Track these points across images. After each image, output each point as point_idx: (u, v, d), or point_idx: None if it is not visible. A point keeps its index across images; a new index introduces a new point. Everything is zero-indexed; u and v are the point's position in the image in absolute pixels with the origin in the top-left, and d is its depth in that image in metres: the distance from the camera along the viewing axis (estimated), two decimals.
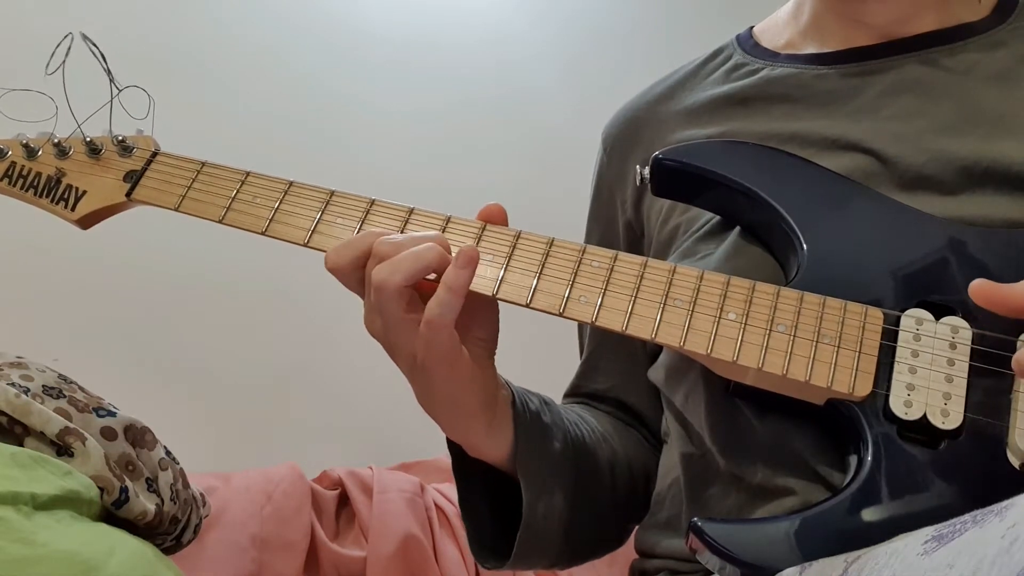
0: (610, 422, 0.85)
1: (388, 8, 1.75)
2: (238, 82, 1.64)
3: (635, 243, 0.84)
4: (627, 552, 0.85)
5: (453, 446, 0.72)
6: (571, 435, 0.75)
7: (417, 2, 1.78)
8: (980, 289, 0.55)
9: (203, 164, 0.72)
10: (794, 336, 0.61)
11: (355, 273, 0.63)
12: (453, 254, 0.60)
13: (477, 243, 0.66)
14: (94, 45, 0.69)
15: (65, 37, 0.68)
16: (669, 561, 0.75)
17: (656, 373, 0.79)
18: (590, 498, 0.76)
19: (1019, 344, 0.58)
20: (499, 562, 0.73)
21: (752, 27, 0.86)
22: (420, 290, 0.62)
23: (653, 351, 0.82)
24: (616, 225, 0.87)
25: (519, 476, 0.69)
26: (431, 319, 0.60)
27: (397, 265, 0.59)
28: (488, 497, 0.74)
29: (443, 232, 0.67)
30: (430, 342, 0.61)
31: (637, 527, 0.83)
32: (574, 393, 0.90)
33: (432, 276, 0.61)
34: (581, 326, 0.92)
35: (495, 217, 0.67)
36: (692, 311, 0.62)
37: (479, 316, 0.66)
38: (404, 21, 1.76)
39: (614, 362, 0.87)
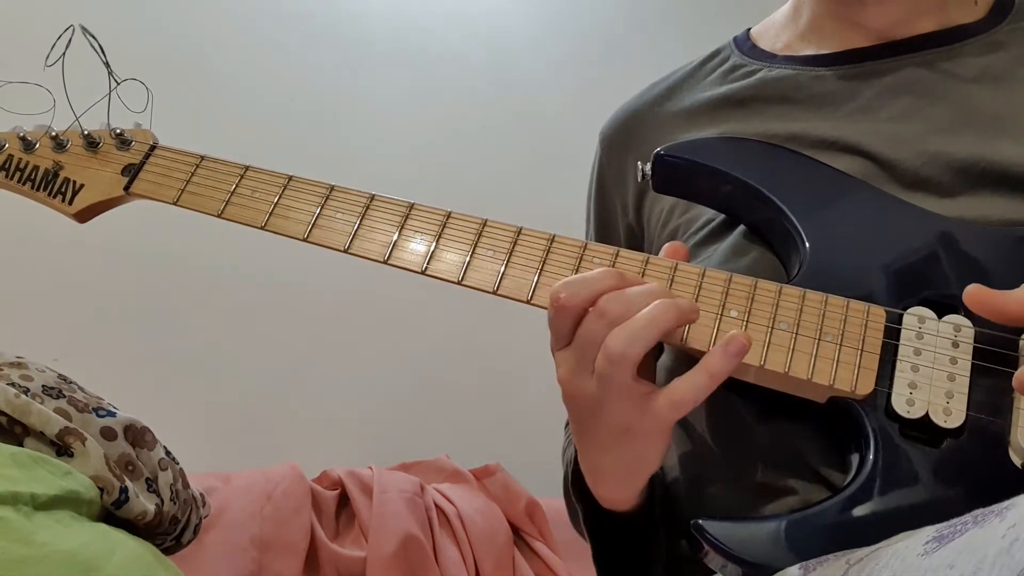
0: None
1: (390, 11, 1.76)
2: (237, 75, 1.64)
3: (635, 244, 0.84)
4: None
5: (588, 501, 0.68)
6: None
7: (419, 3, 1.78)
8: (974, 295, 0.56)
9: (202, 158, 0.72)
10: (796, 334, 0.61)
11: (579, 317, 0.58)
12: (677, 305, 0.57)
13: (478, 239, 0.66)
14: (93, 37, 0.69)
15: (66, 30, 0.68)
16: (669, 561, 0.75)
17: (658, 373, 0.79)
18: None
19: (1021, 343, 0.58)
20: None
21: (749, 29, 0.86)
22: None
23: (654, 351, 0.82)
24: (616, 226, 0.87)
25: (648, 518, 0.68)
26: (682, 402, 0.56)
27: (638, 333, 0.55)
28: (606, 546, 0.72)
29: (443, 228, 0.66)
30: (663, 420, 0.57)
31: None
32: None
33: None
34: None
35: (679, 255, 0.64)
36: None
37: (647, 373, 0.64)
38: (405, 17, 1.76)
39: None
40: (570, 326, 0.58)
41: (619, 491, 0.66)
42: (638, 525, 0.69)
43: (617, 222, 0.86)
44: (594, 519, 0.71)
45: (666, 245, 0.64)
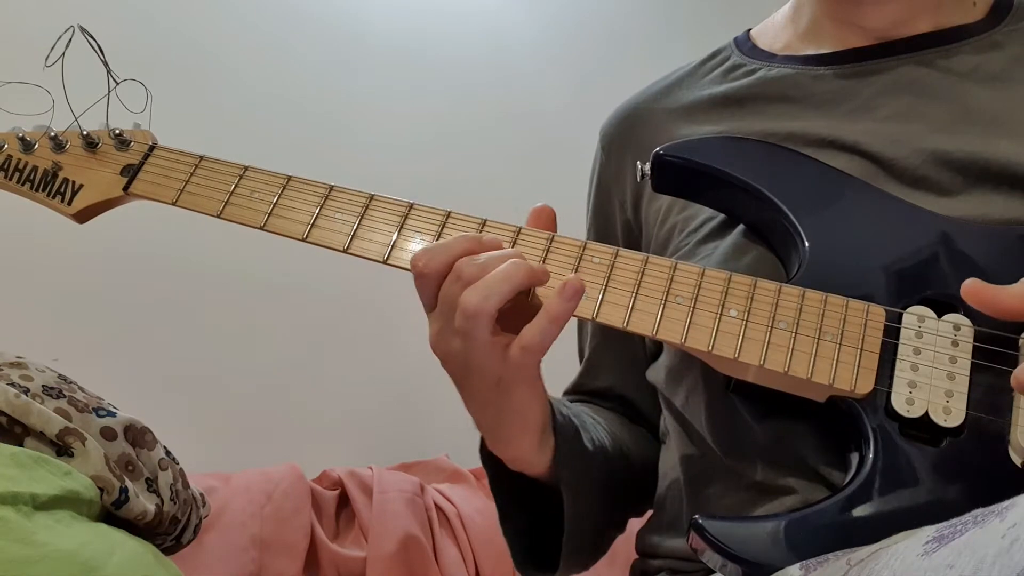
0: (617, 419, 0.85)
1: (389, 9, 1.76)
2: (236, 75, 1.63)
3: (633, 243, 0.84)
4: (627, 552, 0.85)
5: (489, 463, 0.71)
6: (594, 437, 0.75)
7: (417, 3, 1.78)
8: (971, 289, 0.56)
9: (201, 158, 0.72)
10: (796, 333, 0.61)
11: (439, 281, 0.61)
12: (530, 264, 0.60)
13: None
14: (92, 38, 0.69)
15: (66, 31, 0.68)
16: (670, 560, 0.75)
17: (655, 374, 0.79)
18: (614, 501, 0.77)
19: (1021, 341, 0.58)
20: (549, 573, 0.73)
21: (749, 29, 0.86)
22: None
23: (653, 350, 0.82)
24: (614, 224, 0.87)
25: (560, 483, 0.68)
26: (530, 345, 0.59)
27: (491, 288, 0.58)
28: (523, 512, 0.73)
29: (442, 228, 0.66)
30: (521, 365, 0.60)
31: (639, 529, 0.83)
32: (576, 391, 0.90)
33: None
34: (581, 328, 0.92)
35: (544, 218, 0.67)
36: (693, 308, 0.62)
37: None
38: (403, 16, 1.76)
39: (616, 360, 0.87)
40: (432, 290, 0.61)
41: (513, 447, 0.67)
42: (546, 489, 0.70)
43: (615, 219, 0.87)
44: (499, 482, 0.72)
45: (532, 209, 0.67)
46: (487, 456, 0.71)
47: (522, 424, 0.65)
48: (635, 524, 0.86)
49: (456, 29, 1.80)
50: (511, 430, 0.66)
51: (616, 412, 0.86)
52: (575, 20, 1.90)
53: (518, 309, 0.61)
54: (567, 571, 0.75)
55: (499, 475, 0.71)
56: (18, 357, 0.87)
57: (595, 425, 0.78)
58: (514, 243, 0.66)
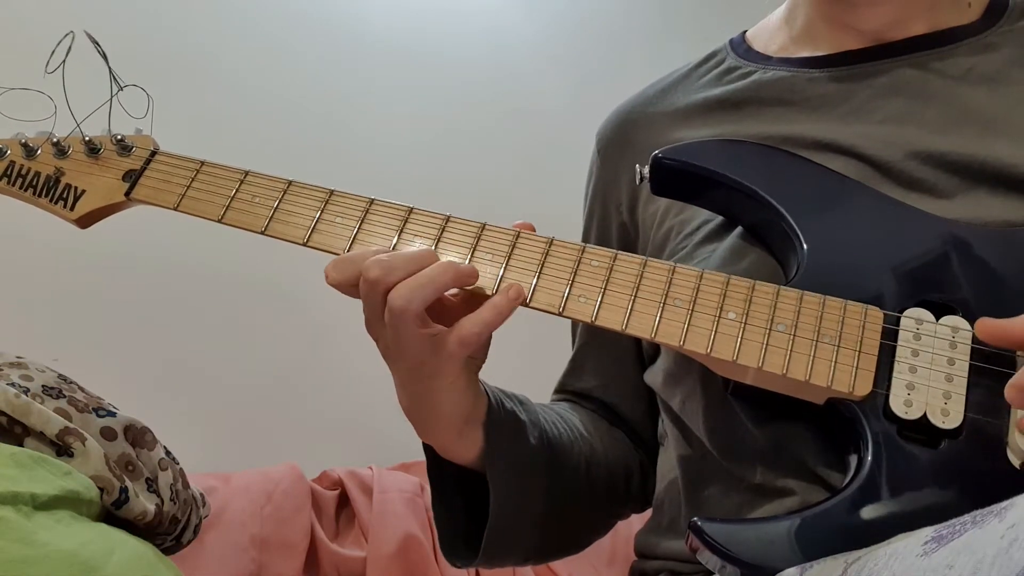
0: (593, 420, 0.85)
1: (388, 7, 1.76)
2: (237, 81, 1.64)
3: (630, 245, 0.84)
4: (627, 552, 0.85)
5: (428, 447, 0.72)
6: (548, 433, 0.75)
7: (417, 2, 1.78)
8: (984, 329, 0.56)
9: (202, 163, 0.72)
10: (794, 335, 0.61)
11: (355, 289, 0.63)
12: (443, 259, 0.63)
13: (477, 243, 0.66)
14: (96, 43, 0.69)
15: (66, 36, 0.68)
16: (669, 562, 0.75)
17: (653, 377, 0.79)
18: (565, 495, 0.76)
19: (1018, 358, 0.58)
20: (467, 560, 0.74)
21: (745, 31, 0.86)
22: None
23: (650, 354, 0.82)
24: (611, 227, 0.87)
25: (487, 473, 0.69)
26: (467, 338, 0.61)
27: (416, 292, 0.60)
28: (463, 495, 0.74)
29: (442, 232, 0.67)
30: (452, 356, 0.62)
31: (638, 530, 0.83)
32: (561, 390, 0.91)
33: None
34: (574, 324, 0.92)
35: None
36: (692, 310, 0.62)
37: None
38: (403, 20, 1.76)
39: (599, 362, 0.87)
40: (354, 294, 0.63)
41: (429, 435, 0.69)
42: (473, 479, 0.71)
43: (612, 222, 0.87)
44: (433, 465, 0.73)
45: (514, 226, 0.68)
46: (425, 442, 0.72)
47: (435, 415, 0.67)
48: (635, 525, 0.86)
49: (456, 29, 1.80)
50: (426, 418, 0.67)
51: (597, 414, 0.86)
52: (575, 20, 1.90)
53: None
54: (495, 562, 0.75)
55: (433, 459, 0.72)
56: (18, 357, 0.87)
57: (559, 423, 0.78)
58: (513, 248, 0.66)
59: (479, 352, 0.67)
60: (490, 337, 0.67)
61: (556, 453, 0.76)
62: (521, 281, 0.65)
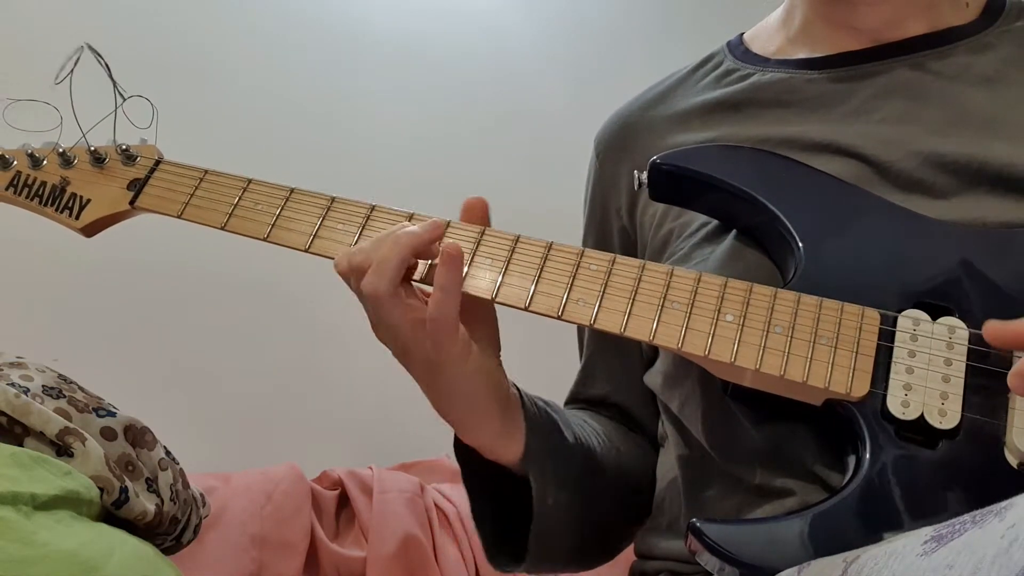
0: (613, 427, 0.85)
1: (388, 7, 1.76)
2: (241, 91, 1.64)
3: (630, 248, 0.84)
4: (627, 552, 0.85)
5: (461, 455, 0.72)
6: (578, 434, 0.75)
7: (417, 3, 1.78)
8: (991, 331, 0.56)
9: (206, 172, 0.73)
10: (791, 337, 0.61)
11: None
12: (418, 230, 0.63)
13: (476, 247, 0.66)
14: (100, 57, 0.70)
15: (77, 51, 0.69)
16: (669, 562, 0.75)
17: (653, 379, 0.79)
18: (598, 498, 0.76)
19: (1016, 358, 0.58)
20: (517, 563, 0.73)
21: (742, 34, 0.86)
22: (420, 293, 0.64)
23: (650, 356, 0.82)
24: (611, 230, 0.87)
25: (528, 469, 0.69)
26: (433, 317, 0.61)
27: (379, 274, 0.61)
28: (496, 503, 0.74)
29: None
30: (438, 340, 0.62)
31: (638, 530, 0.83)
32: (574, 400, 0.90)
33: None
34: (581, 332, 0.92)
35: (476, 211, 0.68)
36: (690, 313, 0.63)
37: (479, 315, 0.67)
38: (403, 20, 1.76)
39: (609, 368, 0.87)
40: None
41: (472, 433, 0.68)
42: (516, 479, 0.70)
43: (612, 226, 0.87)
44: (469, 472, 0.73)
45: (464, 202, 0.68)
46: (459, 446, 0.71)
47: (470, 407, 0.66)
48: None
49: (456, 29, 1.80)
50: (464, 414, 0.67)
51: (614, 420, 0.86)
52: (575, 20, 1.90)
53: (469, 305, 0.64)
54: (541, 564, 0.75)
55: (469, 464, 0.72)
56: (18, 357, 0.87)
57: (584, 426, 0.78)
58: (512, 252, 0.66)
59: (486, 334, 0.67)
60: (495, 320, 0.68)
61: (589, 455, 0.76)
62: (520, 286, 0.65)
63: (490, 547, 0.74)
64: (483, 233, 0.67)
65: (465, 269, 0.65)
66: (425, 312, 0.62)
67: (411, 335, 0.62)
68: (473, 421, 0.68)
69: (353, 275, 0.63)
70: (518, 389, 0.71)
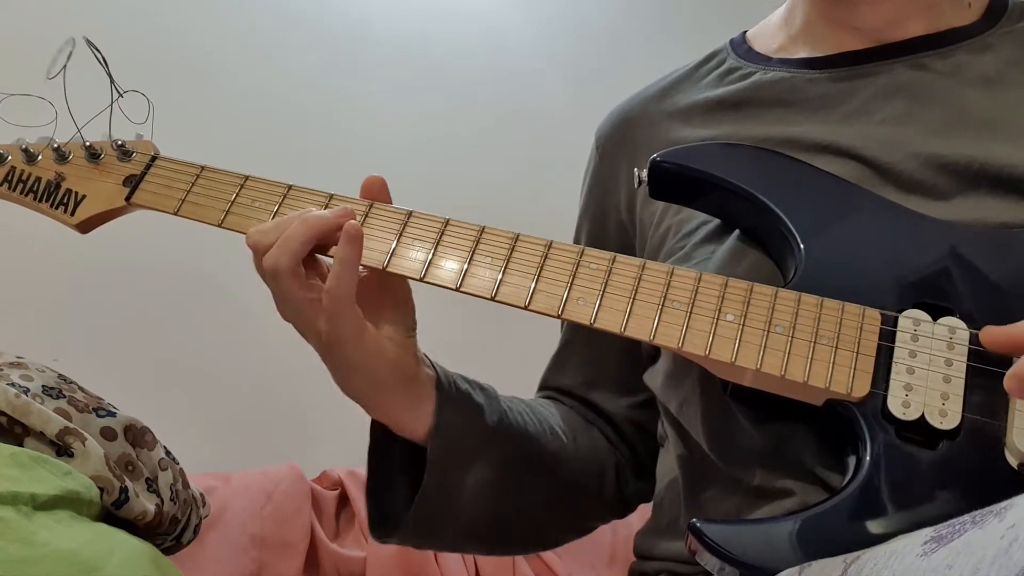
0: (570, 418, 0.85)
1: (388, 8, 1.76)
2: (237, 86, 1.64)
3: (627, 243, 0.84)
4: (627, 552, 0.85)
5: (375, 430, 0.73)
6: (511, 423, 0.75)
7: (417, 3, 1.78)
8: (989, 337, 0.56)
9: (202, 168, 0.72)
10: (792, 337, 0.61)
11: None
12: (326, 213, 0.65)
13: (476, 246, 0.66)
14: (96, 49, 0.70)
15: (66, 42, 0.68)
16: (668, 563, 0.75)
17: (652, 379, 0.79)
18: (525, 487, 0.76)
19: (1015, 360, 0.58)
20: (388, 534, 0.74)
21: (745, 31, 0.86)
22: (320, 274, 0.66)
23: (629, 351, 0.82)
24: (608, 225, 0.87)
25: (430, 446, 0.69)
26: (329, 290, 0.63)
27: (281, 250, 0.63)
28: (410, 476, 0.74)
29: (441, 236, 0.67)
30: (332, 315, 0.63)
31: (638, 531, 0.83)
32: (543, 387, 0.91)
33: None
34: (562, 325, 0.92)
35: (373, 189, 0.69)
36: (690, 312, 0.62)
37: (389, 295, 0.68)
38: (403, 20, 1.77)
39: (582, 359, 0.88)
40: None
41: (378, 407, 0.70)
42: (416, 457, 0.71)
43: (610, 220, 0.87)
44: (372, 447, 0.74)
45: (364, 181, 0.71)
46: (373, 422, 0.73)
47: (368, 383, 0.67)
48: (635, 525, 0.86)
49: (456, 29, 1.80)
50: (362, 391, 0.68)
51: (575, 411, 0.86)
52: (575, 20, 1.90)
53: (381, 286, 0.67)
54: (426, 541, 0.76)
55: (375, 440, 0.73)
56: (18, 357, 0.87)
57: (526, 414, 0.78)
58: (512, 251, 0.66)
59: (397, 313, 0.68)
60: (408, 299, 0.69)
61: (518, 443, 0.75)
62: (520, 284, 0.65)
63: (373, 514, 0.74)
64: (482, 231, 0.67)
65: (464, 267, 0.66)
66: (318, 291, 0.63)
67: (309, 312, 0.64)
68: (372, 398, 0.69)
69: (259, 250, 0.64)
70: (436, 370, 0.71)
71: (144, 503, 0.81)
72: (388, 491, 0.74)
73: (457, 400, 0.71)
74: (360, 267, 0.66)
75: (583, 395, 0.87)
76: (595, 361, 0.86)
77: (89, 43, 0.69)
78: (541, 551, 0.86)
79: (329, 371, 0.68)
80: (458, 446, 0.71)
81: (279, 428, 1.61)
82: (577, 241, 0.90)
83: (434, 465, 0.70)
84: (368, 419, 0.74)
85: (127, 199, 0.72)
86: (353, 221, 0.64)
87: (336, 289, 0.63)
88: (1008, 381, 0.52)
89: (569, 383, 0.88)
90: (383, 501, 0.74)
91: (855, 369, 0.60)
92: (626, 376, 0.85)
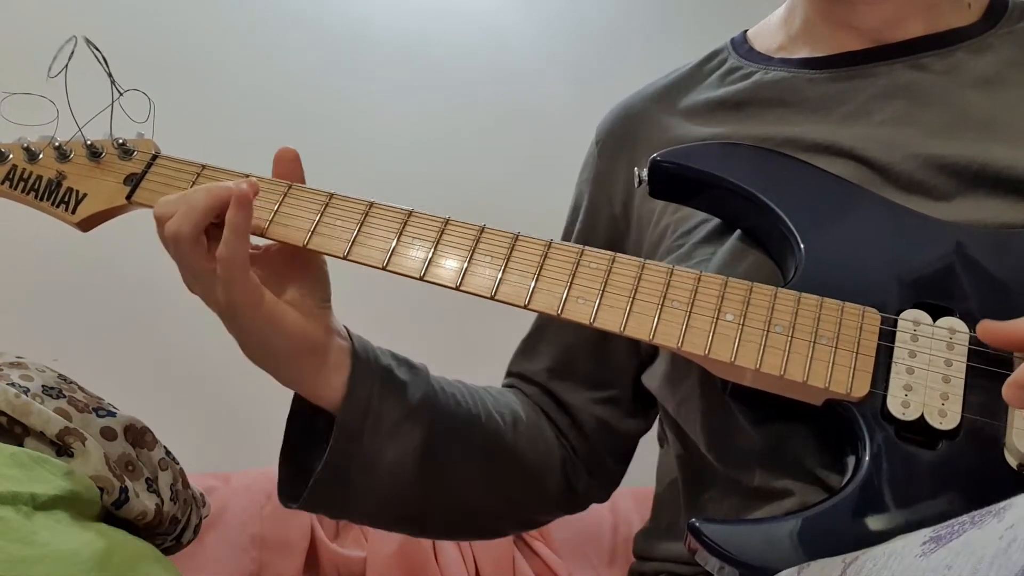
0: (522, 406, 0.84)
1: (388, 8, 1.76)
2: (238, 84, 1.64)
3: (618, 239, 0.84)
4: (627, 552, 0.85)
5: (297, 400, 0.74)
6: (437, 399, 0.75)
7: (417, 3, 1.78)
8: (986, 331, 0.56)
9: (203, 167, 0.72)
10: (792, 336, 0.61)
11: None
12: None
13: (476, 245, 0.66)
14: (96, 49, 0.70)
15: (67, 41, 0.68)
16: (668, 564, 0.75)
17: (651, 379, 0.79)
18: (452, 467, 0.76)
19: (1016, 359, 0.58)
20: (292, 501, 0.74)
21: (746, 31, 0.86)
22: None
23: (600, 344, 0.82)
24: (599, 218, 0.87)
25: (338, 417, 0.70)
26: (220, 256, 0.63)
27: (182, 217, 0.63)
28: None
29: (441, 235, 0.67)
30: (227, 282, 0.63)
31: (637, 532, 0.83)
32: (508, 372, 0.90)
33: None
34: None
35: (284, 162, 0.70)
36: (690, 312, 0.62)
37: (298, 266, 0.69)
38: (403, 20, 1.76)
39: (549, 348, 0.87)
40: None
41: (276, 374, 0.70)
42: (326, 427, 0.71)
43: (602, 214, 0.86)
44: (292, 412, 0.75)
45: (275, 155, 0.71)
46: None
47: (271, 350, 0.68)
48: (636, 525, 0.86)
49: (456, 29, 1.80)
50: (264, 359, 0.69)
51: (532, 400, 0.86)
52: (575, 20, 1.90)
53: (289, 256, 0.68)
54: (332, 510, 0.76)
55: (296, 409, 0.75)
56: (18, 357, 0.87)
57: (467, 399, 0.78)
58: (512, 250, 0.66)
59: (303, 283, 0.69)
60: (314, 269, 0.69)
61: (447, 423, 0.75)
62: (520, 283, 0.65)
63: (284, 479, 0.75)
64: (482, 230, 0.67)
65: (464, 266, 0.66)
66: (212, 263, 0.64)
67: (208, 281, 0.64)
68: (275, 365, 0.69)
69: (164, 220, 0.65)
70: (354, 341, 0.72)
71: (144, 503, 0.81)
72: (307, 457, 0.74)
73: (375, 372, 0.71)
74: (271, 241, 0.68)
75: (545, 384, 0.86)
76: (563, 351, 0.86)
77: (88, 42, 0.69)
78: (481, 539, 0.84)
79: (238, 343, 0.69)
80: (373, 418, 0.70)
81: (279, 428, 1.61)
82: (566, 232, 0.90)
83: (342, 432, 0.70)
84: None
85: (128, 197, 0.72)
86: (244, 187, 0.63)
87: (227, 254, 0.63)
88: (1007, 390, 0.52)
89: (534, 370, 0.87)
90: (298, 466, 0.75)
91: (855, 369, 0.60)
92: (593, 369, 0.84)
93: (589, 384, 0.84)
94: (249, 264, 0.64)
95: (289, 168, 0.70)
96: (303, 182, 0.71)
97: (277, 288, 0.67)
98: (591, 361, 0.84)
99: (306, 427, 0.75)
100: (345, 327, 0.73)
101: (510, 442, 0.79)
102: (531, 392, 0.87)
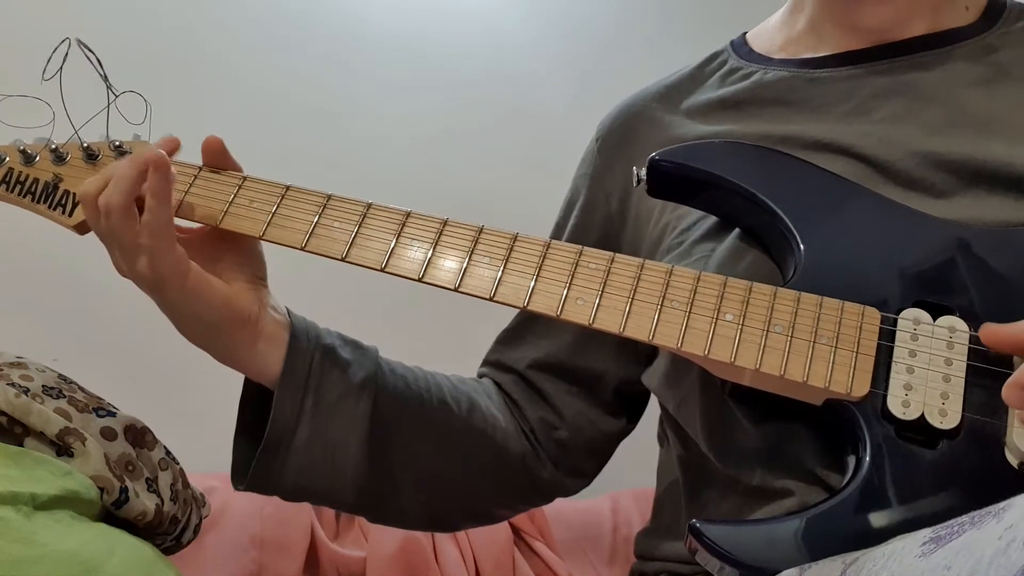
0: (483, 397, 0.83)
1: (388, 7, 1.76)
2: (236, 85, 1.64)
3: (612, 236, 0.84)
4: (627, 552, 0.85)
5: (248, 381, 0.74)
6: (384, 380, 0.75)
7: (417, 3, 1.78)
8: (988, 334, 0.57)
9: (200, 168, 0.72)
10: (791, 336, 0.61)
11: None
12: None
13: (474, 246, 0.66)
14: (90, 51, 0.69)
15: (61, 42, 0.68)
16: (669, 563, 0.75)
17: (651, 379, 0.79)
18: (400, 450, 0.75)
19: (1016, 358, 0.58)
20: (242, 481, 0.75)
21: (745, 33, 0.87)
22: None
23: (584, 341, 0.82)
24: (594, 215, 0.86)
25: (276, 395, 0.70)
26: (146, 224, 0.64)
27: (114, 187, 0.64)
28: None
29: (440, 236, 0.67)
30: (152, 252, 0.64)
31: (638, 532, 0.83)
32: (485, 361, 0.90)
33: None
34: None
35: (211, 152, 0.71)
36: (689, 312, 0.62)
37: (228, 244, 0.70)
38: (403, 20, 1.76)
39: (536, 339, 0.86)
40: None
41: (207, 349, 0.70)
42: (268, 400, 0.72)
43: (598, 211, 0.86)
44: (244, 394, 0.76)
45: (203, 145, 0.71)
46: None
47: (202, 324, 0.68)
48: (636, 525, 0.86)
49: (456, 29, 1.80)
50: (197, 330, 0.69)
51: (499, 390, 0.85)
52: (575, 20, 1.90)
53: (218, 234, 0.69)
54: (284, 491, 0.76)
55: (248, 391, 0.75)
56: (18, 357, 0.87)
57: (423, 381, 0.77)
58: (510, 251, 0.66)
59: (235, 258, 0.70)
60: (245, 244, 0.70)
61: (395, 405, 0.74)
62: (519, 284, 0.65)
63: (235, 460, 0.77)
64: (481, 231, 0.67)
65: (463, 266, 0.66)
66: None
67: (136, 254, 0.64)
68: (207, 340, 0.69)
69: (90, 198, 0.65)
70: (292, 319, 0.72)
71: (144, 503, 0.81)
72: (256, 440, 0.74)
73: (315, 348, 0.71)
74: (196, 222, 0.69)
75: (524, 372, 0.86)
76: (549, 344, 0.85)
77: (81, 44, 0.69)
78: (435, 531, 0.84)
79: (170, 320, 0.69)
80: (313, 393, 0.71)
81: None
82: (558, 226, 0.89)
83: (280, 407, 0.70)
84: None
85: None
86: (162, 154, 0.64)
87: (152, 222, 0.63)
88: (1007, 391, 0.52)
89: (515, 358, 0.87)
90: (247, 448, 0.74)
91: (855, 369, 0.60)
92: (579, 365, 0.84)
93: (572, 378, 0.84)
94: (175, 235, 0.65)
95: (216, 155, 0.71)
96: (240, 171, 0.71)
97: (208, 263, 0.68)
98: (578, 357, 0.84)
99: (259, 411, 0.75)
100: (287, 307, 0.73)
101: (460, 429, 0.78)
102: (505, 380, 0.86)
